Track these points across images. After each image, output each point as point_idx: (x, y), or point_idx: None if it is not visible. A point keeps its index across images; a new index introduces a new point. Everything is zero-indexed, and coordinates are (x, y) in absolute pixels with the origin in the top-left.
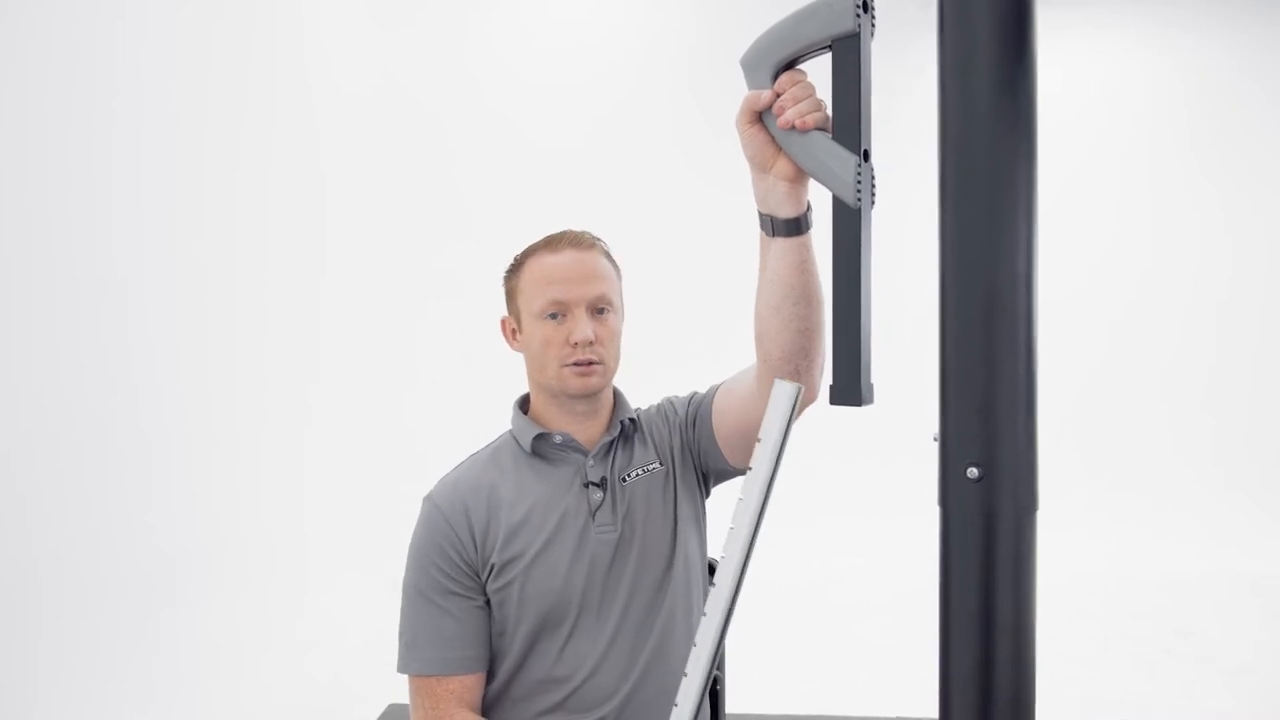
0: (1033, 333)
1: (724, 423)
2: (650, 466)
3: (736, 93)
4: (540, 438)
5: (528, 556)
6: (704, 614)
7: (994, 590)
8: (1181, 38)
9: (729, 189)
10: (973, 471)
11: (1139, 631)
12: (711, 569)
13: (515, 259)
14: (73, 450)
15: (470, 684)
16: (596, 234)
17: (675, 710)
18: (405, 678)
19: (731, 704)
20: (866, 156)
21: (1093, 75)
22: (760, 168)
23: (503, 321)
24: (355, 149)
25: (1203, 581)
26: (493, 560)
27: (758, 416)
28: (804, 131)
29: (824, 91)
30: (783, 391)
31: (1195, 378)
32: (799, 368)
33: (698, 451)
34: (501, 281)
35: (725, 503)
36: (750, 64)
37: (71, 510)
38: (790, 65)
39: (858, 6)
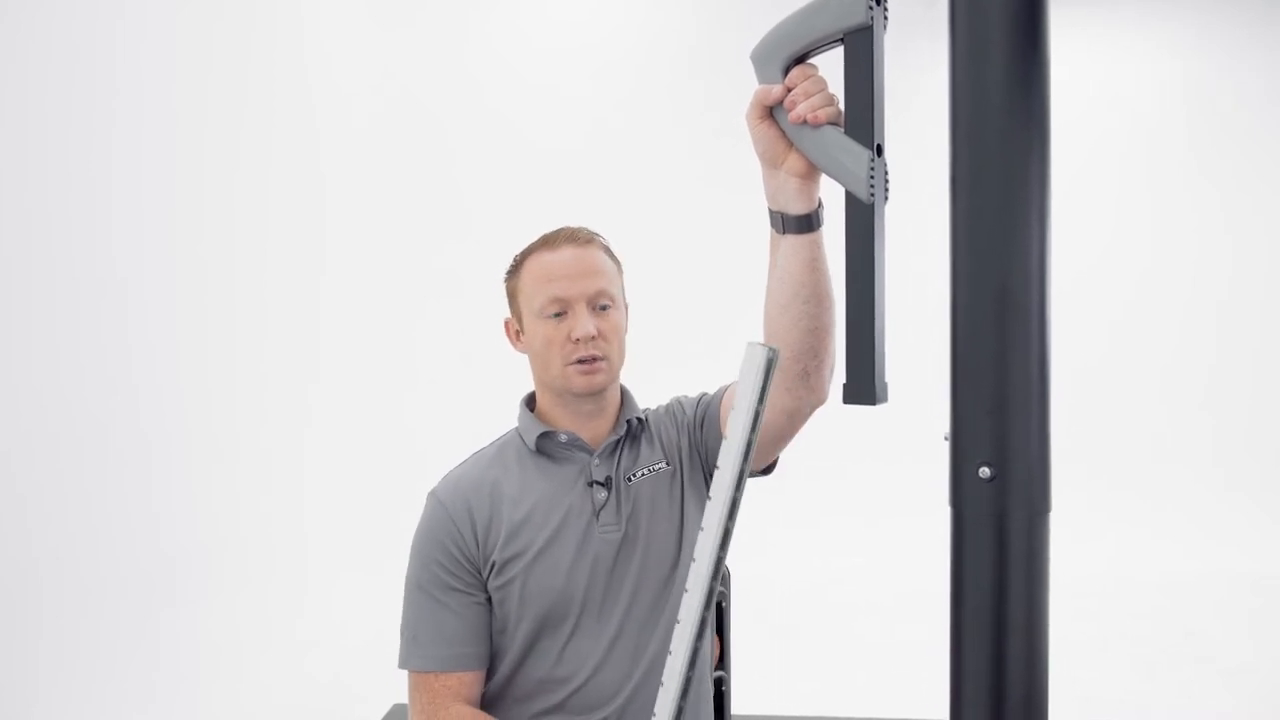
0: (1046, 331)
1: None
2: (657, 466)
3: (738, 92)
4: (545, 436)
5: (529, 554)
6: (685, 590)
7: (1006, 591)
8: (1182, 37)
9: (730, 188)
10: (985, 471)
11: (1139, 631)
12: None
13: (515, 259)
14: (73, 450)
15: (469, 680)
16: (591, 229)
17: (661, 690)
18: (405, 676)
19: (733, 704)
20: (880, 151)
21: (1093, 74)
22: (771, 164)
23: (506, 323)
24: (355, 149)
25: (1203, 581)
26: (494, 557)
27: (767, 418)
28: (816, 126)
29: (835, 86)
30: (755, 355)
31: (1195, 378)
32: (808, 368)
33: (705, 453)
34: (502, 282)
35: None
36: (760, 58)
37: (71, 510)
38: (801, 59)
39: None
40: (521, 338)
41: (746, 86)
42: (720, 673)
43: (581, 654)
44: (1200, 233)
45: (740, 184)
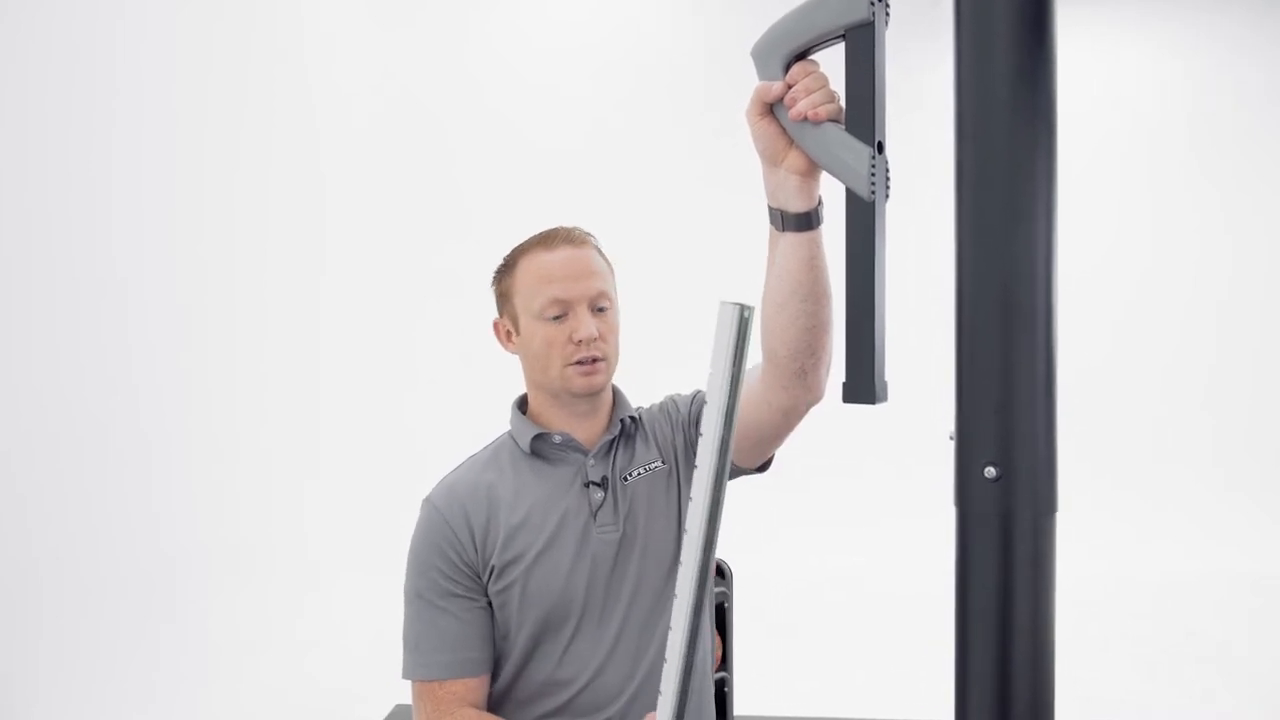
0: (1052, 329)
1: None
2: (652, 465)
3: (737, 92)
4: (539, 438)
5: (528, 558)
6: (680, 562)
7: (1012, 593)
8: (1183, 37)
9: (729, 188)
10: (990, 471)
11: (1139, 631)
12: (719, 571)
13: (506, 259)
14: (73, 450)
15: (474, 686)
16: (590, 231)
17: (660, 698)
18: (409, 684)
19: (734, 705)
20: (881, 148)
21: (1095, 74)
22: (771, 161)
23: (495, 324)
24: (355, 149)
25: (1203, 581)
26: (493, 562)
27: (762, 416)
28: (816, 123)
29: (836, 83)
30: (728, 313)
31: (1195, 378)
32: (805, 366)
33: None
34: (491, 284)
35: (730, 503)
36: (761, 54)
37: (71, 510)
38: (802, 56)
39: None
40: (514, 339)
41: (746, 86)
42: (722, 673)
43: (583, 656)
44: (1201, 233)
45: (740, 183)
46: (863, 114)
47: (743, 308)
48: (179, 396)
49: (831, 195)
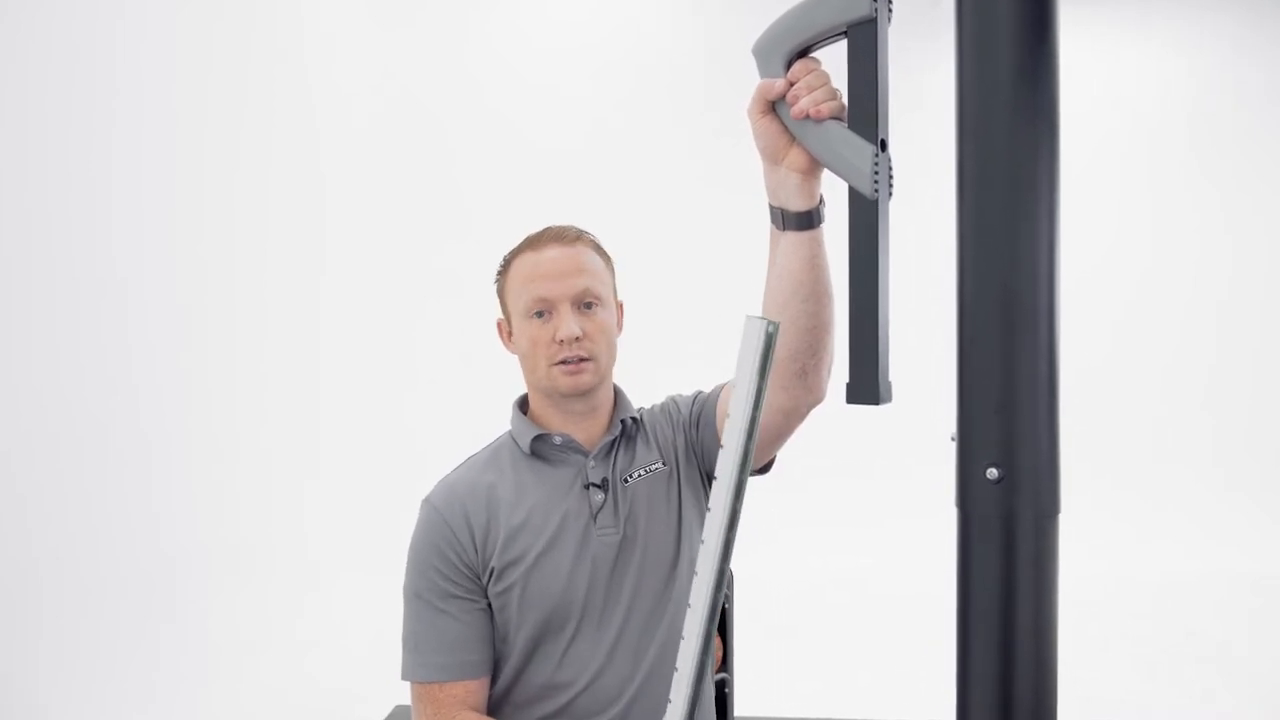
0: (1054, 330)
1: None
2: (653, 467)
3: (738, 92)
4: (539, 439)
5: (528, 560)
6: (695, 572)
7: (1014, 595)
8: (1184, 37)
9: (729, 188)
10: (992, 472)
11: (1139, 631)
12: None
13: (504, 259)
14: (73, 450)
15: (474, 688)
16: (588, 228)
17: (670, 706)
18: (408, 684)
19: (735, 706)
20: (884, 146)
21: (1095, 75)
22: (772, 159)
23: (498, 324)
24: (355, 149)
25: (1203, 581)
26: (493, 563)
27: (763, 417)
28: (818, 121)
29: (838, 80)
30: (754, 328)
31: (1195, 378)
32: (806, 366)
33: (701, 452)
34: (493, 283)
35: None
36: (762, 52)
37: (71, 510)
38: (804, 53)
39: None
40: (513, 339)
41: (747, 86)
42: (723, 675)
43: (583, 658)
44: (1201, 233)
45: (740, 183)
46: (865, 111)
47: (769, 323)
48: (179, 396)
49: (833, 194)
